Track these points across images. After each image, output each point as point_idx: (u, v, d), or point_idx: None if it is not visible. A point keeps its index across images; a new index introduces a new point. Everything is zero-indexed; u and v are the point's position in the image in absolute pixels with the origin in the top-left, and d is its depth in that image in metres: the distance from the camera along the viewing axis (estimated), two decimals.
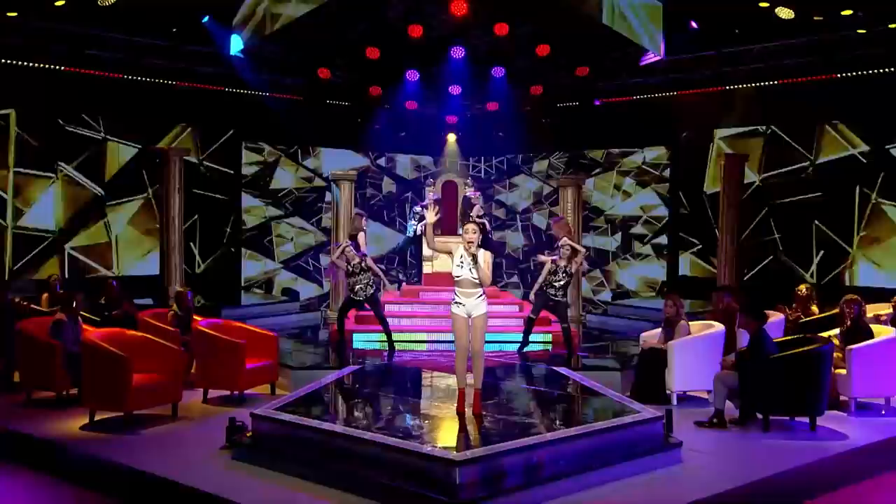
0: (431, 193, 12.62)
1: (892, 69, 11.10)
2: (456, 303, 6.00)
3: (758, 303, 7.86)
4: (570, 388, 7.45)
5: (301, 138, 14.53)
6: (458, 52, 12.51)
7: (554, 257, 9.23)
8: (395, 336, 9.74)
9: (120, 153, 12.61)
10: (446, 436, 5.61)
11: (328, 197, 14.41)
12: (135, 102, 12.35)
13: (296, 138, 14.48)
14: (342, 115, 14.39)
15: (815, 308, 9.22)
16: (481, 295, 5.98)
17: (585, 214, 14.22)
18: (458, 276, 5.97)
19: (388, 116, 14.26)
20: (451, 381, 7.62)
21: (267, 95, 13.51)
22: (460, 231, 12.59)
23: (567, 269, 9.10)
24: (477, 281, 5.93)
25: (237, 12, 11.68)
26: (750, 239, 12.40)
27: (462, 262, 5.96)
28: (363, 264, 9.42)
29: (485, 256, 5.92)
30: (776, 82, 12.09)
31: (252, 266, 14.29)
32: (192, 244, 13.23)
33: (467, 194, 12.45)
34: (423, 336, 10.13)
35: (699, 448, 6.18)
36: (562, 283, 9.10)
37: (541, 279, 9.19)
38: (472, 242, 5.91)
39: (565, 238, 9.35)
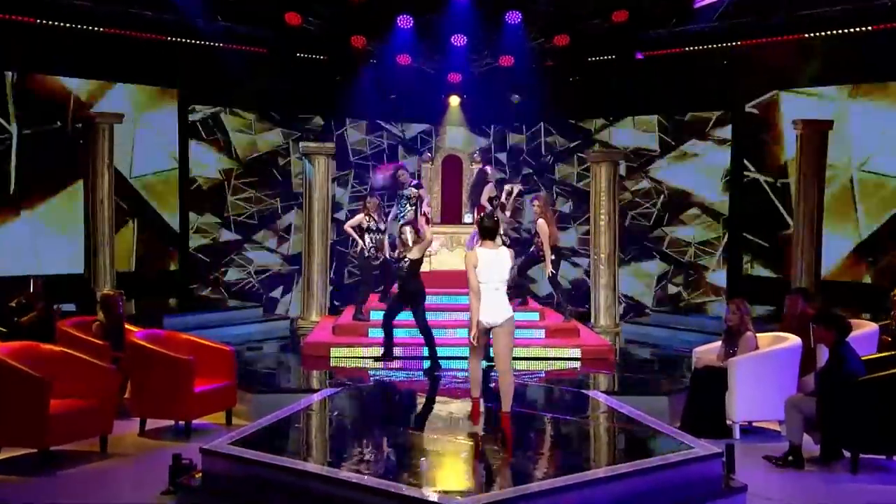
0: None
1: None
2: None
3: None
4: (605, 416, 7.40)
5: (265, 101, 14.48)
6: None
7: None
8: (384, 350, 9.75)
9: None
10: (449, 476, 5.58)
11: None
12: (53, 54, 12.29)
13: (258, 101, 14.43)
14: (317, 72, 14.34)
15: None
16: (504, 295, 6.60)
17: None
18: (482, 282, 6.50)
19: (375, 74, 14.19)
20: (454, 406, 7.56)
21: (221, 47, 13.45)
22: (467, 219, 12.70)
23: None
24: (503, 281, 6.58)
25: None
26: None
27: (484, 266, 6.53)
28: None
29: (509, 253, 6.67)
30: (869, 28, 12.00)
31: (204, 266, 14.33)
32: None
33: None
34: (424, 351, 10.05)
35: (769, 494, 6.12)
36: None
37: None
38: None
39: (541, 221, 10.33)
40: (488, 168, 12.32)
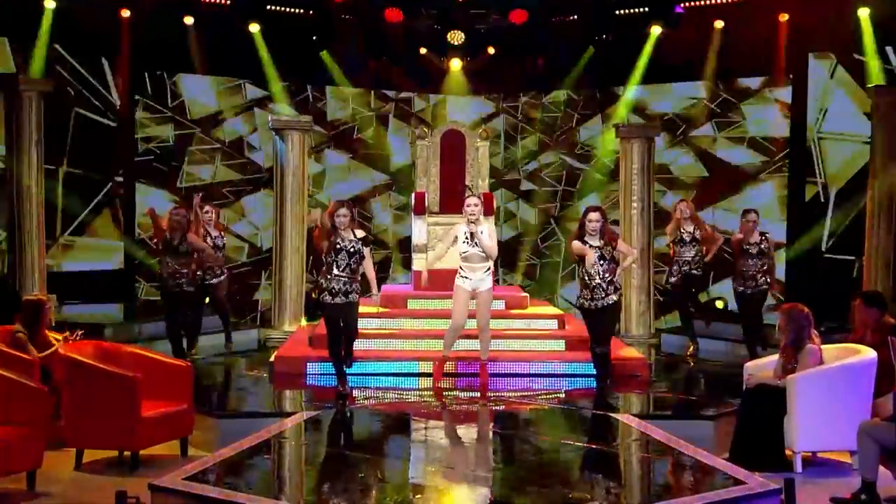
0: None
1: None
2: (462, 276, 8.87)
3: None
4: (638, 444, 7.41)
5: (229, 65, 14.51)
6: None
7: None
8: (374, 368, 9.84)
9: None
10: None
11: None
12: None
13: (221, 65, 14.47)
14: (291, 30, 14.33)
15: None
16: (488, 269, 8.90)
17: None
18: (464, 252, 8.78)
19: (360, 32, 14.16)
20: (454, 432, 7.54)
21: (178, 1, 13.45)
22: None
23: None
24: (484, 255, 8.79)
25: None
26: None
27: (468, 238, 8.74)
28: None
29: (490, 229, 8.84)
30: None
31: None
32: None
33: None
34: (414, 367, 10.08)
35: None
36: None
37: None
38: (475, 217, 8.73)
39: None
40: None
